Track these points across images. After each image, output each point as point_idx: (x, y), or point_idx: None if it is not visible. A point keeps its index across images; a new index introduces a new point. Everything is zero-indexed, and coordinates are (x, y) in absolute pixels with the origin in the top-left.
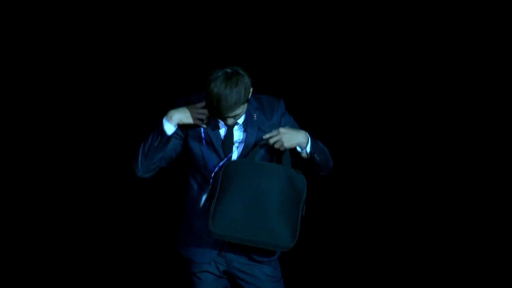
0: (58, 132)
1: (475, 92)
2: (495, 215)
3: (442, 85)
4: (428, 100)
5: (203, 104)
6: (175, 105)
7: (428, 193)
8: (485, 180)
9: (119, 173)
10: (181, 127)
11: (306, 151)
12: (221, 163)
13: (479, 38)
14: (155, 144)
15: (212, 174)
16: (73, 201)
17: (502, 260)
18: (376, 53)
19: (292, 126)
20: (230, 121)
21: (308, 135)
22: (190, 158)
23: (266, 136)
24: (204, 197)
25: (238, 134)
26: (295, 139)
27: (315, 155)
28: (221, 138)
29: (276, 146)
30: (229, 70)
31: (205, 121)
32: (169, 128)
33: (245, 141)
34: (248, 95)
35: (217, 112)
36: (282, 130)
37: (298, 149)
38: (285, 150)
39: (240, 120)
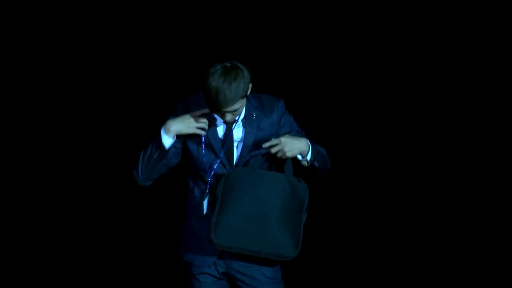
0: (58, 134)
1: (475, 92)
2: (495, 215)
3: (442, 85)
4: (428, 100)
5: (201, 111)
6: (173, 106)
7: (428, 193)
8: (485, 180)
9: (119, 173)
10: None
11: (306, 160)
12: (219, 163)
13: (479, 38)
14: (155, 157)
15: (211, 174)
16: (72, 201)
17: (502, 260)
18: (376, 53)
19: (292, 126)
20: (228, 116)
21: (309, 142)
22: (190, 160)
23: (266, 145)
24: (205, 202)
25: (237, 133)
26: (297, 148)
27: (315, 162)
28: (220, 138)
29: (279, 155)
30: (228, 64)
31: (205, 130)
32: (168, 140)
33: (244, 140)
34: (247, 90)
35: (215, 106)
36: (283, 139)
37: (299, 157)
38: (287, 158)
39: (239, 117)
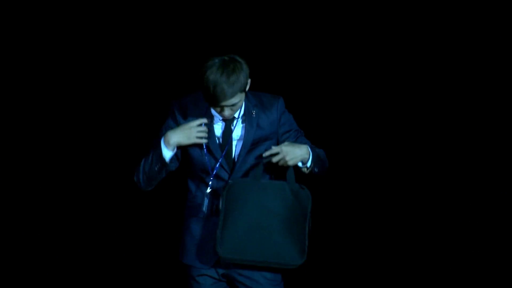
0: (58, 134)
1: (475, 92)
2: (495, 215)
3: (442, 85)
4: (427, 100)
5: (200, 121)
6: (170, 107)
7: (427, 194)
8: (485, 180)
9: (119, 174)
10: None
11: (306, 166)
12: (219, 164)
13: (479, 38)
14: (156, 168)
15: (212, 175)
16: (73, 202)
17: (502, 260)
18: (376, 53)
19: (291, 125)
20: (227, 112)
21: (309, 148)
22: (190, 162)
23: (267, 153)
24: (205, 204)
25: (236, 131)
26: (299, 156)
27: (315, 168)
28: (219, 138)
29: (280, 164)
30: (226, 58)
31: (204, 139)
32: (168, 153)
33: (244, 138)
34: (247, 84)
35: (213, 100)
36: (284, 148)
37: (300, 164)
38: (288, 166)
39: (238, 115)
